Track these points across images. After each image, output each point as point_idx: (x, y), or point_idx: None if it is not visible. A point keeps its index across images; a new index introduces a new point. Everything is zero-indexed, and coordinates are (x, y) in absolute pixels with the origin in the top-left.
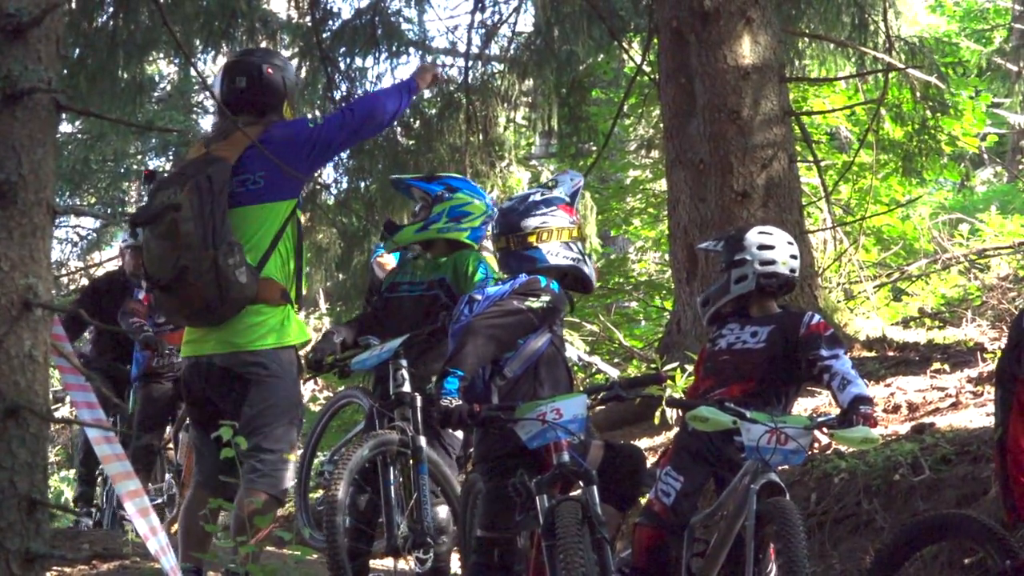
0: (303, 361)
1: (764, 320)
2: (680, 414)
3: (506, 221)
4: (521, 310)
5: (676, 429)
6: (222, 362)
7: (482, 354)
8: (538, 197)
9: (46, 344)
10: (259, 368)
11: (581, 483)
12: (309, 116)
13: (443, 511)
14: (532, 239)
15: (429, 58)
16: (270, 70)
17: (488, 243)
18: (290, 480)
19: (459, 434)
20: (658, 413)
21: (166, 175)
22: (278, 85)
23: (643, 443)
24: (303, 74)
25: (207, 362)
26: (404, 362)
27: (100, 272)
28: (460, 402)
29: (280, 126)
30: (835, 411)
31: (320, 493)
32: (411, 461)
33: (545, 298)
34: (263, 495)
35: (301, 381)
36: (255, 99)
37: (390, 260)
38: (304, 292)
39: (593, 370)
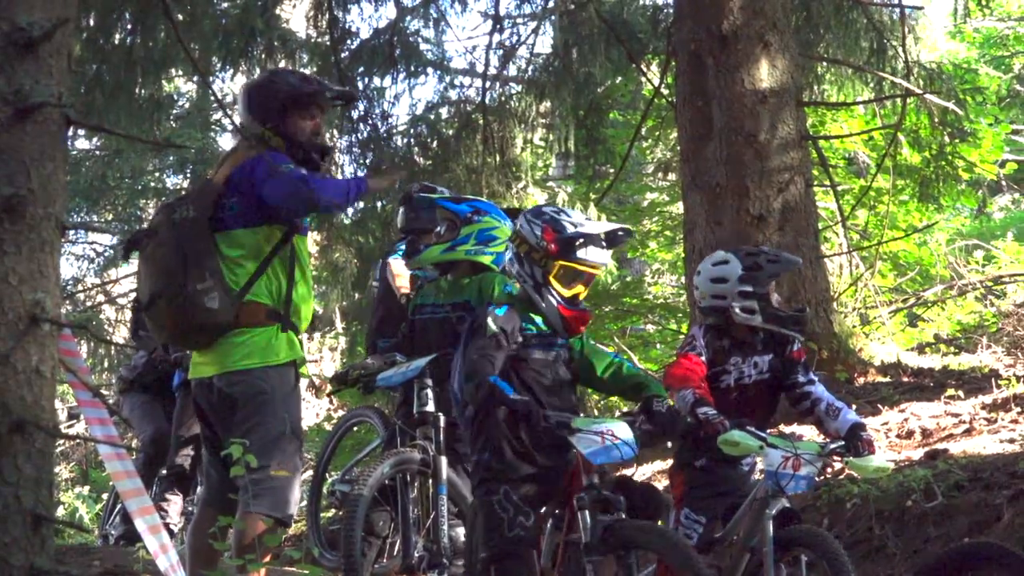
0: (333, 376)
1: (762, 348)
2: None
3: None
4: (489, 341)
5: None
6: (217, 383)
7: (488, 368)
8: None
9: (53, 359)
10: (245, 387)
11: (611, 510)
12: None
13: (461, 532)
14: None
15: (448, 77)
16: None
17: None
18: (294, 500)
19: None
20: None
21: (170, 200)
22: (245, 110)
23: (656, 465)
24: None
25: (207, 383)
26: (429, 381)
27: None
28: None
29: (253, 160)
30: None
31: (332, 512)
32: (431, 481)
33: (491, 319)
34: (259, 518)
35: (326, 398)
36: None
37: (401, 268)
38: (319, 312)
39: None
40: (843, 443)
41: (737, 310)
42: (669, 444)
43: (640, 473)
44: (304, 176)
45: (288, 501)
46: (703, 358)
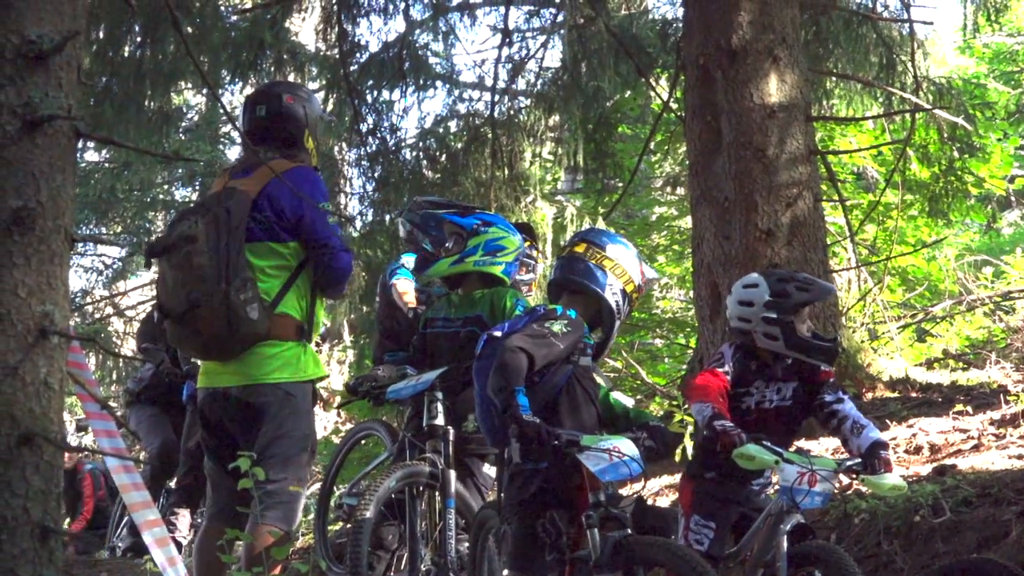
0: (345, 387)
1: (786, 375)
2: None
3: (595, 234)
4: (544, 332)
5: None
6: (239, 394)
7: (523, 367)
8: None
9: (62, 371)
10: (275, 400)
11: (617, 527)
12: (333, 202)
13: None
14: (607, 263)
15: (457, 91)
16: (290, 99)
17: (522, 276)
18: (300, 512)
19: (492, 472)
20: (679, 450)
21: (188, 207)
22: (298, 114)
23: (663, 480)
24: (330, 106)
25: (223, 393)
26: (439, 395)
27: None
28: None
29: (297, 177)
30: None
31: (339, 525)
32: (439, 494)
33: (563, 321)
34: (271, 530)
35: (334, 411)
36: (275, 128)
37: (407, 286)
38: (328, 325)
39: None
40: (860, 461)
41: (760, 335)
42: (676, 459)
43: (647, 488)
44: (346, 250)
45: (296, 514)
46: (728, 376)
